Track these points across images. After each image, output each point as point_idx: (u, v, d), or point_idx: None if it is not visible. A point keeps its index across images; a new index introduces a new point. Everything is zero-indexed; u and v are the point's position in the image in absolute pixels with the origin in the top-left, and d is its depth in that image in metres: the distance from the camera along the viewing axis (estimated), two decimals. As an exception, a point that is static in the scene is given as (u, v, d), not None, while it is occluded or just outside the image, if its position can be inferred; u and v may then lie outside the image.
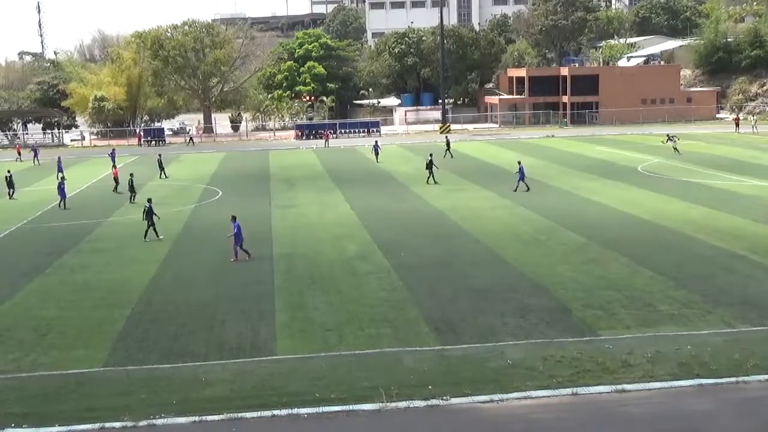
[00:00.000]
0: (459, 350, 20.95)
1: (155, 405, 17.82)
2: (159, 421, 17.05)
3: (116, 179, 54.14)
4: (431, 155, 56.11)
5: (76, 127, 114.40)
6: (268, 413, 17.31)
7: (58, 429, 16.87)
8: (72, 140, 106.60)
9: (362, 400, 17.83)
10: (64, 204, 47.36)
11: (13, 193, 52.82)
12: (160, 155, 65.62)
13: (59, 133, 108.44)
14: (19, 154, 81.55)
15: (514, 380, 18.76)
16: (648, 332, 21.93)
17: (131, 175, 50.05)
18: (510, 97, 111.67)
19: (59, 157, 65.21)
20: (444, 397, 17.92)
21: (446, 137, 76.67)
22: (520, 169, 48.54)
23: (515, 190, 47.47)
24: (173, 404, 17.85)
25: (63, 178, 50.08)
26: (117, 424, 16.93)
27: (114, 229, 40.43)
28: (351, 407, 17.56)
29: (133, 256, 33.84)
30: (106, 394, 18.62)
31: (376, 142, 71.67)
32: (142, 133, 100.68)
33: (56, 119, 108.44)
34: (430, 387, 18.48)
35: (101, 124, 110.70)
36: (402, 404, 17.65)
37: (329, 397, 18.07)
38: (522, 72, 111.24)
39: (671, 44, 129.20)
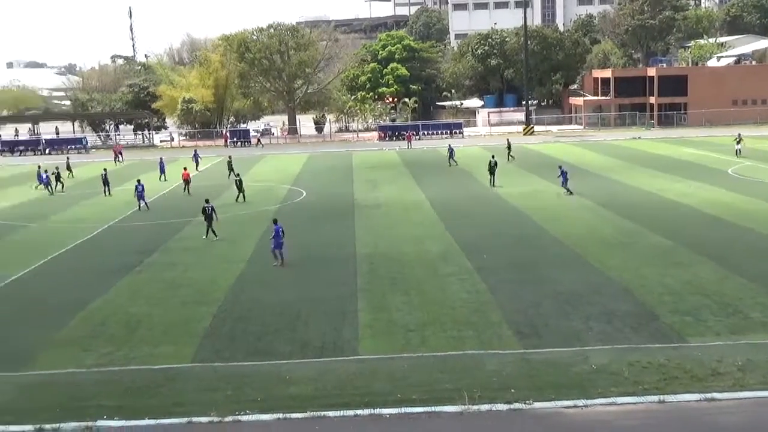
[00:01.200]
0: (542, 354, 20.71)
1: (241, 401, 18.11)
2: (244, 418, 17.33)
3: (187, 181, 54.83)
4: (493, 156, 55.67)
5: (166, 128, 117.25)
6: (350, 413, 17.42)
7: (147, 422, 17.29)
8: (161, 141, 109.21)
9: (444, 402, 17.79)
10: (146, 205, 47.98)
11: (108, 190, 54.52)
12: (230, 157, 66.62)
13: (149, 134, 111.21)
14: (120, 154, 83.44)
15: (598, 386, 18.45)
16: (739, 340, 21.30)
17: (237, 174, 50.91)
18: (595, 98, 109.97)
19: (161, 158, 66.60)
20: (527, 401, 17.75)
21: (507, 140, 75.14)
22: (562, 172, 47.98)
23: (569, 192, 46.92)
24: (258, 401, 18.11)
25: (139, 180, 49.94)
26: (204, 419, 17.26)
27: (202, 228, 41.21)
28: (433, 409, 17.54)
29: (220, 255, 34.46)
30: (193, 390, 19.01)
31: (450, 145, 70.53)
32: (228, 134, 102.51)
33: (147, 121, 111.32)
34: (512, 390, 18.32)
35: (189, 125, 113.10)
36: (484, 407, 17.55)
37: (411, 398, 18.08)
38: (607, 73, 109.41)
39: (763, 43, 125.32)
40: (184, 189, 54.17)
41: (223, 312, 25.61)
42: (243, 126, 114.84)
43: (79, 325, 24.74)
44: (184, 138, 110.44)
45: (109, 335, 23.55)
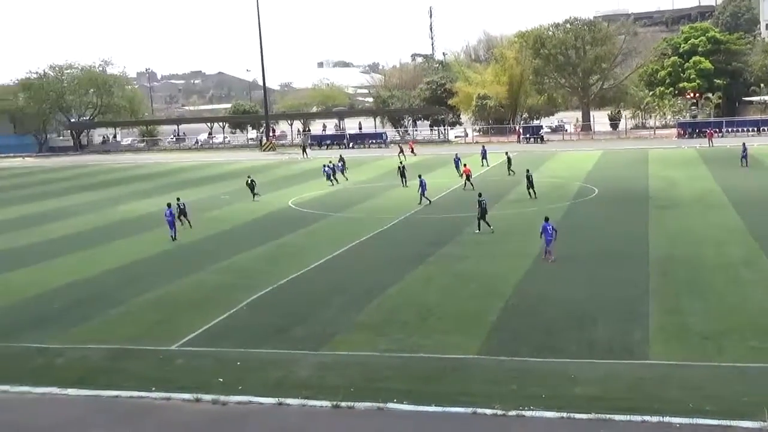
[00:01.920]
0: None
1: (525, 397, 18.08)
2: (528, 413, 17.28)
3: (468, 176, 55.17)
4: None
5: (460, 124, 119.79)
6: (638, 418, 16.78)
7: (434, 409, 17.75)
8: (456, 137, 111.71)
9: (742, 417, 16.59)
10: (428, 200, 48.78)
11: (405, 182, 57.01)
12: (507, 153, 66.21)
13: (445, 129, 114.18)
14: (412, 150, 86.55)
15: None
16: None
17: (528, 170, 51.17)
18: None
19: (456, 154, 67.88)
20: (838, 424, 16.10)
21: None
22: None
23: None
24: (542, 398, 17.98)
25: (420, 176, 50.85)
26: (488, 411, 17.43)
27: (493, 222, 41.66)
28: (729, 422, 16.42)
29: (510, 250, 34.62)
30: (478, 381, 19.26)
31: (743, 144, 64.93)
32: (521, 131, 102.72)
33: (442, 117, 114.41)
34: (821, 411, 16.71)
35: (483, 121, 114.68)
36: (787, 426, 16.16)
37: (704, 408, 17.06)
38: None
39: None
40: (465, 185, 54.78)
41: (510, 306, 25.71)
42: (536, 122, 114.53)
43: (375, 310, 25.94)
44: (478, 134, 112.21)
45: (401, 322, 24.48)
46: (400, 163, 63.47)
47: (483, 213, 38.72)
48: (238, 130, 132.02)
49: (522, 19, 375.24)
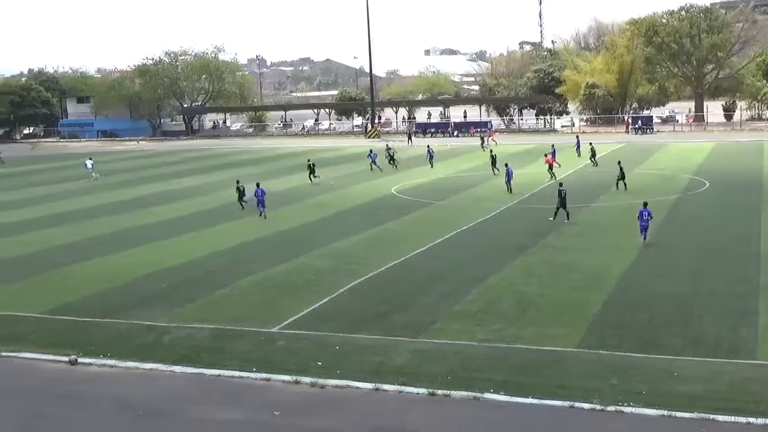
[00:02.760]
0: None
1: (624, 392, 17.70)
2: (627, 409, 16.91)
3: (550, 165, 54.83)
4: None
5: (567, 113, 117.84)
6: (742, 419, 16.21)
7: (531, 400, 17.58)
8: (562, 126, 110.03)
9: None
10: (510, 191, 48.59)
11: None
12: (591, 143, 64.94)
13: (551, 119, 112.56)
14: (492, 140, 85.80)
15: None
16: None
17: (619, 162, 50.04)
18: None
19: (553, 145, 67.11)
20: None
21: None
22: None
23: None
24: (642, 394, 17.57)
25: (507, 164, 50.73)
26: (586, 405, 17.14)
27: (596, 214, 40.94)
28: (841, 428, 15.71)
29: (613, 242, 33.93)
30: (577, 375, 18.96)
31: None
32: (630, 120, 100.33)
33: (549, 105, 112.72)
34: None
35: (591, 110, 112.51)
36: None
37: (815, 413, 16.36)
38: None
39: None
40: (551, 176, 54.05)
41: (613, 299, 25.20)
42: (646, 112, 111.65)
43: (475, 299, 25.83)
44: (585, 123, 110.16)
45: (500, 312, 24.31)
46: (491, 152, 63.34)
47: (563, 202, 38.69)
48: (343, 117, 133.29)
49: (634, 5, 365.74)
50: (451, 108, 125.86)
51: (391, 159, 66.56)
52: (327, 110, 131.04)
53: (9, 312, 26.17)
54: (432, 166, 64.80)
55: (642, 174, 55.87)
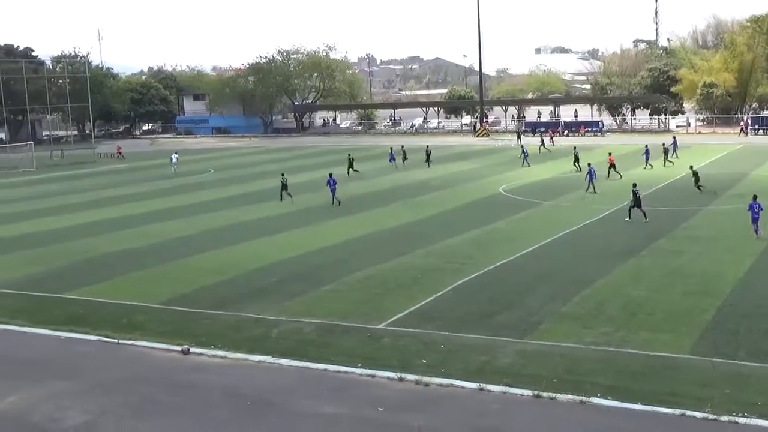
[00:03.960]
0: None
1: (739, 402, 17.07)
2: (741, 420, 16.30)
3: (612, 165, 55.17)
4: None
5: (683, 113, 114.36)
6: None
7: (640, 407, 17.13)
8: (677, 126, 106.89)
9: None
10: (593, 189, 48.70)
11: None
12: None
13: (665, 119, 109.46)
14: (551, 139, 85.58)
15: None
16: None
17: (691, 166, 48.38)
18: None
19: (646, 145, 65.57)
20: None
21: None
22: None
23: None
24: (758, 405, 16.90)
25: (589, 164, 51.43)
26: (698, 414, 16.60)
27: (712, 218, 39.65)
28: None
29: (729, 247, 32.79)
30: (689, 382, 18.39)
31: None
32: (748, 121, 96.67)
33: (663, 105, 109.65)
34: None
35: (708, 111, 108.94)
36: None
37: None
38: None
39: None
40: (608, 174, 54.42)
41: (728, 306, 24.32)
42: (766, 113, 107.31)
43: (582, 302, 25.38)
44: (702, 124, 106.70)
45: (608, 316, 23.81)
46: (574, 149, 64.73)
47: (637, 202, 38.75)
48: (452, 116, 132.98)
49: (756, 2, 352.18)
50: (561, 107, 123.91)
51: (427, 158, 69.39)
52: (436, 108, 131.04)
53: (129, 301, 27.20)
54: (529, 165, 65.39)
55: (757, 178, 53.76)
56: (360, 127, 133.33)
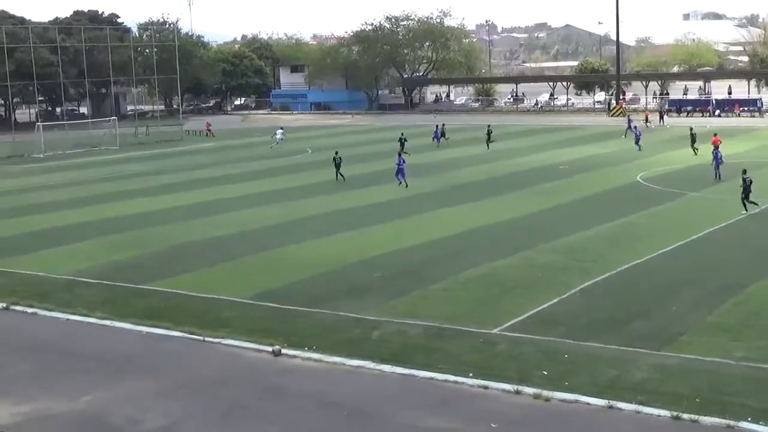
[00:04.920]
0: None
1: None
2: None
3: (716, 146, 53.17)
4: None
5: None
6: None
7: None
8: None
9: None
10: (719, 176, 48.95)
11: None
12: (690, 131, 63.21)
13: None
14: (646, 119, 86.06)
15: None
16: None
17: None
18: None
19: None
20: None
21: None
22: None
23: None
24: None
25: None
26: None
27: None
28: None
29: None
30: None
31: None
32: None
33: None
34: None
35: None
36: None
37: None
38: None
39: None
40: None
41: None
42: None
43: (732, 310, 24.70)
44: None
45: (763, 327, 23.09)
46: (690, 129, 64.08)
47: (746, 191, 38.43)
48: (583, 91, 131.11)
49: None
50: (712, 82, 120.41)
51: (489, 138, 72.94)
52: (564, 83, 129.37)
53: (216, 295, 27.90)
54: (640, 148, 65.03)
55: None
56: (477, 104, 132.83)
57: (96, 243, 37.67)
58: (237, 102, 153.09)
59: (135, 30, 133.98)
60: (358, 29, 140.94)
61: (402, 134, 69.28)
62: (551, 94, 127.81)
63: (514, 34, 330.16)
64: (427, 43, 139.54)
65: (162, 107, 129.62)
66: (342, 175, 53.75)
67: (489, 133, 73.17)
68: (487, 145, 71.80)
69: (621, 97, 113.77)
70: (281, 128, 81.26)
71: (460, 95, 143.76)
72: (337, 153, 54.96)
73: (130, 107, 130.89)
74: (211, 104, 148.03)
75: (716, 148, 51.92)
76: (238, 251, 34.77)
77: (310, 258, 32.95)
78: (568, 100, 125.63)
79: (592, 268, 29.93)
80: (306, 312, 25.77)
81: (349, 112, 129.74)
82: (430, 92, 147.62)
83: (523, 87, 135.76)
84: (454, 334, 23.26)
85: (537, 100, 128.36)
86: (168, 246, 36.42)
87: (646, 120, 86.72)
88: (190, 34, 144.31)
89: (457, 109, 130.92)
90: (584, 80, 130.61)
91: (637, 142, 66.34)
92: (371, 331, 23.78)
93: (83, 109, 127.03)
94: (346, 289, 28.27)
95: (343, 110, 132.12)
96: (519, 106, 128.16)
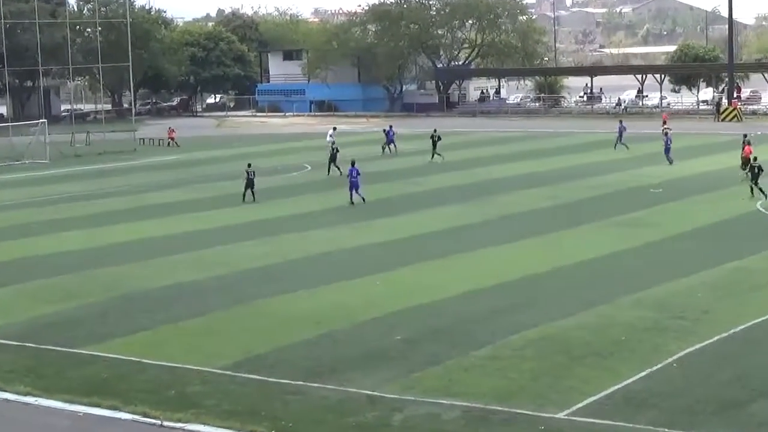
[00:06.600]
0: None
1: None
2: None
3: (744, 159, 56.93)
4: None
5: None
6: None
7: None
8: None
9: None
10: None
11: None
12: None
13: None
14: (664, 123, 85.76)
15: None
16: None
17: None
18: None
19: None
20: None
21: None
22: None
23: None
24: None
25: None
26: None
27: None
28: None
29: None
30: None
31: None
32: None
33: None
34: None
35: None
36: None
37: None
38: None
39: None
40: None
41: None
42: None
43: None
44: None
45: None
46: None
47: (754, 177, 43.33)
48: (683, 87, 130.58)
49: None
50: None
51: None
52: (657, 76, 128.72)
53: (180, 363, 27.79)
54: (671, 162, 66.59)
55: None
56: (537, 104, 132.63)
57: (15, 291, 37.63)
58: (210, 100, 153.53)
59: (73, 2, 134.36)
60: (376, 2, 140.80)
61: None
62: (639, 91, 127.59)
63: (589, 9, 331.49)
64: (470, 21, 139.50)
65: (108, 107, 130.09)
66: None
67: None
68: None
69: (735, 94, 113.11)
70: (334, 128, 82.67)
71: (515, 92, 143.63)
72: (249, 165, 58.41)
73: (65, 107, 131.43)
74: (174, 103, 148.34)
75: (744, 161, 54.44)
76: (211, 303, 34.73)
77: (307, 313, 32.91)
78: (662, 99, 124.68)
79: (695, 328, 29.84)
80: (302, 387, 25.66)
81: (364, 114, 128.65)
82: (474, 87, 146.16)
83: (600, 81, 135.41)
84: (505, 419, 23.13)
85: (619, 99, 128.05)
86: (115, 295, 36.38)
87: (664, 123, 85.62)
88: (147, 8, 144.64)
89: (510, 110, 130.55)
90: (683, 71, 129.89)
91: (667, 153, 68.20)
92: (391, 413, 23.66)
93: (2, 109, 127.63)
94: (356, 356, 28.19)
95: (355, 111, 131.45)
96: (595, 106, 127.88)
